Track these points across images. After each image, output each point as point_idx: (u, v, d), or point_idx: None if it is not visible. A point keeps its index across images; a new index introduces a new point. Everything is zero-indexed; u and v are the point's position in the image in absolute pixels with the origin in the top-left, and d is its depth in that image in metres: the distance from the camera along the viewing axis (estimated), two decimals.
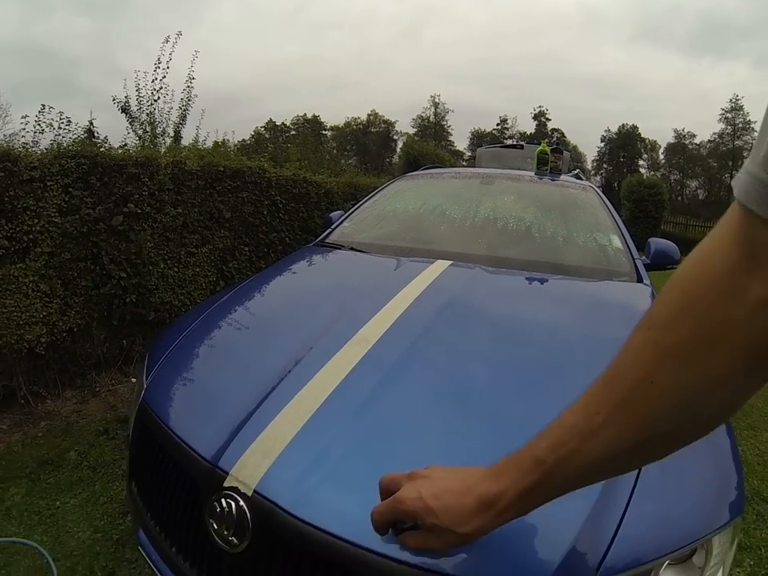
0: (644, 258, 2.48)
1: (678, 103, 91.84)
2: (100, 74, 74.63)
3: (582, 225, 2.67)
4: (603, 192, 3.16)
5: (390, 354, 1.36)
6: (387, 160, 61.08)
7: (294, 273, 2.38)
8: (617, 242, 2.49)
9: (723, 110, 61.77)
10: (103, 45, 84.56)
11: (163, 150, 5.40)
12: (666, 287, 0.54)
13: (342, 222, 2.94)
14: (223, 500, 1.01)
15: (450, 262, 2.04)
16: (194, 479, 1.12)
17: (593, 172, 66.93)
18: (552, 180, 3.22)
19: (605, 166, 67.18)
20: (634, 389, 0.55)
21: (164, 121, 6.69)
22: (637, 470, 1.02)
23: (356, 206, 3.15)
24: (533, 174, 3.36)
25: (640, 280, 2.14)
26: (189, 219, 4.06)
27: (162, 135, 6.63)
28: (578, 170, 4.22)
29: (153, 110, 6.54)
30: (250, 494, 1.00)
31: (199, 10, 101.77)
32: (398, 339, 1.43)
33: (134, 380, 3.70)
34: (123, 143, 4.23)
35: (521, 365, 1.43)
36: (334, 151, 50.10)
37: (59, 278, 3.31)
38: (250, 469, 1.03)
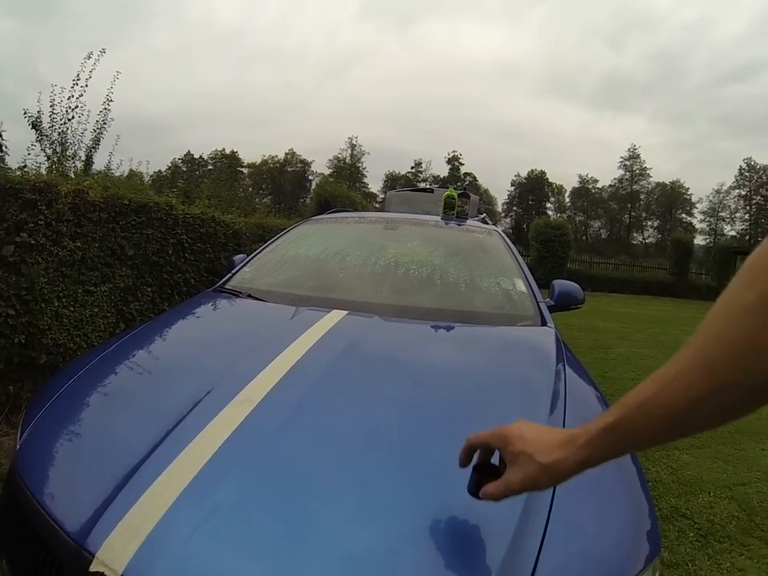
0: (549, 299, 2.53)
1: (582, 151, 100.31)
2: (19, 80, 70.55)
3: (487, 270, 2.70)
4: (513, 233, 3.26)
5: (273, 416, 1.28)
6: (301, 200, 61.20)
7: (189, 321, 2.26)
8: (521, 285, 2.51)
9: (622, 158, 68.16)
10: (26, 49, 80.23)
11: (72, 174, 5.07)
12: (747, 266, 0.58)
13: (242, 267, 2.84)
14: None
15: (346, 312, 1.98)
16: (60, 561, 0.99)
17: (503, 214, 70.46)
18: (457, 225, 3.27)
19: (515, 208, 70.71)
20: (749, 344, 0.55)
21: (76, 143, 6.36)
22: (548, 505, 1.04)
23: (257, 251, 3.07)
24: (439, 218, 3.38)
25: (544, 323, 2.16)
26: (88, 254, 3.79)
27: (72, 158, 6.28)
28: (484, 214, 4.31)
29: (66, 129, 6.20)
30: None
31: (130, 29, 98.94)
32: (282, 398, 1.35)
33: None
34: (23, 164, 3.89)
35: (414, 416, 1.38)
36: (250, 189, 49.79)
37: None
38: (116, 551, 0.92)
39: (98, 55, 6.35)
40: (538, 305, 2.30)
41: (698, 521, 2.91)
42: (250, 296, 2.36)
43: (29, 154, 5.43)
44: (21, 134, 5.46)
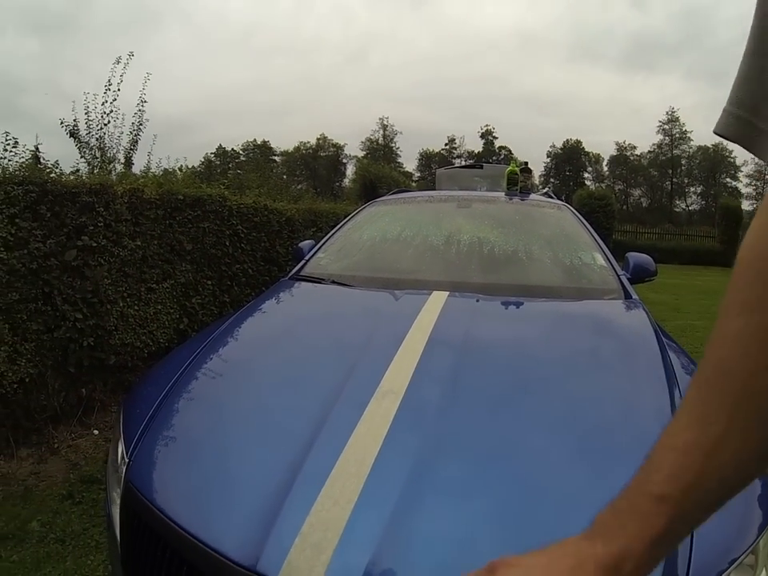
0: (624, 272, 2.51)
1: (616, 118, 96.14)
2: (46, 98, 71.81)
3: (566, 245, 2.67)
4: None
5: (424, 406, 1.21)
6: (337, 184, 61.23)
7: (282, 313, 2.22)
8: (600, 259, 2.51)
9: (661, 121, 65.19)
10: (50, 68, 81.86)
11: (114, 176, 5.11)
12: (739, 271, 0.48)
13: (315, 253, 2.77)
14: None
15: (447, 293, 1.93)
16: None
17: (540, 186, 68.50)
18: (526, 200, 3.22)
19: (552, 180, 68.91)
20: (749, 381, 0.46)
21: (114, 146, 6.47)
22: None
23: (328, 235, 3.00)
24: (503, 194, 3.34)
25: (628, 296, 2.17)
26: (148, 252, 3.79)
27: (112, 161, 6.39)
28: (548, 188, 4.21)
29: (103, 134, 6.32)
30: None
31: (147, 35, 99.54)
32: (427, 388, 1.28)
33: (96, 432, 3.36)
34: (75, 168, 3.88)
35: (563, 413, 1.31)
36: (285, 176, 49.98)
37: (6, 322, 2.97)
38: (303, 571, 0.82)
39: (127, 59, 6.45)
40: (620, 278, 2.33)
41: None
42: (333, 282, 2.30)
43: (79, 160, 5.49)
44: (52, 145, 5.53)
